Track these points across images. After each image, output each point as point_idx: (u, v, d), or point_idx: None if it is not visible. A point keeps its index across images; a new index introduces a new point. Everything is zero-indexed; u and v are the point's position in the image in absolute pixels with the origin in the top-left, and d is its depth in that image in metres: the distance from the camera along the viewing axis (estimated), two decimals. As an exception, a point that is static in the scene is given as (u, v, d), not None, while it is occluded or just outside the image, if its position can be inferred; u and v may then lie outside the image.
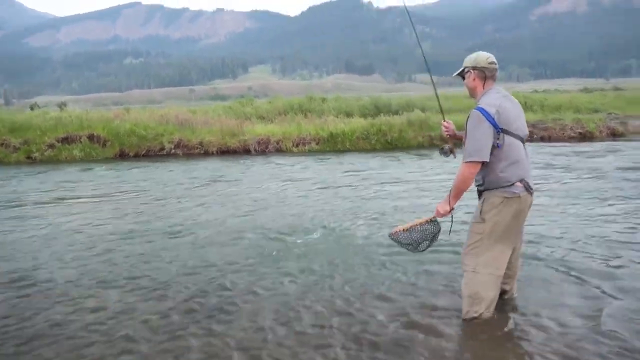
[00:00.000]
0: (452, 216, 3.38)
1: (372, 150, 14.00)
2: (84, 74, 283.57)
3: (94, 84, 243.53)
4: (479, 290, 3.22)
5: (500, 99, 3.13)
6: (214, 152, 14.47)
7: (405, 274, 4.30)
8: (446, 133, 3.58)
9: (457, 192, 3.21)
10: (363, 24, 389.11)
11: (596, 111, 19.50)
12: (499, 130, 3.04)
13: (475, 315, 3.26)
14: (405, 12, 4.43)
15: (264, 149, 14.53)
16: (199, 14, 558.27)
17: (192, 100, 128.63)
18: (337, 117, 17.74)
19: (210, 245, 5.41)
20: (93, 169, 12.00)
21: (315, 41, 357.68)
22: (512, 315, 3.44)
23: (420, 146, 14.14)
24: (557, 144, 14.22)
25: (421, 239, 3.44)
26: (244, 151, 14.51)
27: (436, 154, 6.82)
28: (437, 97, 3.91)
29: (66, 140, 14.58)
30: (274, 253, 5.03)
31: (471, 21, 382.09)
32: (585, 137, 15.02)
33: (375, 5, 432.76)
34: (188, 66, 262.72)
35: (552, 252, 4.73)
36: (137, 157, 14.33)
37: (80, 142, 14.40)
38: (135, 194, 8.62)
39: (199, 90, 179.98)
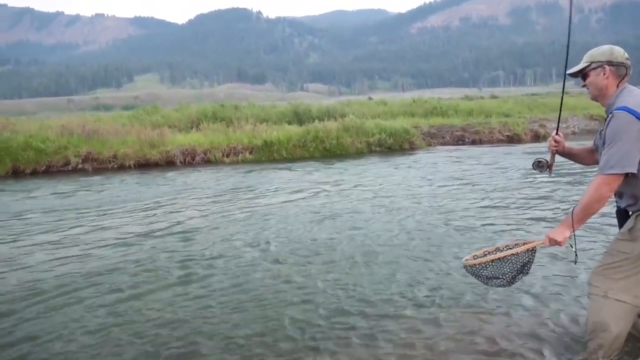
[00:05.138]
0: (574, 243, 2.72)
1: (311, 158, 13.15)
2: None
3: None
4: (606, 320, 2.58)
5: None
6: (131, 165, 12.74)
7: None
8: (554, 149, 2.90)
9: (586, 214, 2.53)
10: (253, 33, 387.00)
11: (507, 115, 20.42)
12: None
13: (597, 346, 2.63)
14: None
15: (191, 160, 13.06)
16: (76, 18, 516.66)
17: (72, 111, 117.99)
18: (255, 125, 16.58)
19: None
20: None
21: (204, 49, 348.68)
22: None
23: (360, 152, 13.57)
24: (488, 146, 14.45)
25: (511, 271, 2.74)
26: (167, 163, 12.95)
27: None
28: (562, 99, 3.24)
29: (-64, 156, 12.02)
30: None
31: (356, 33, 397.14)
32: (513, 139, 15.49)
33: (264, 14, 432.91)
34: (65, 74, 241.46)
35: None
36: (35, 174, 12.18)
37: (-42, 158, 11.92)
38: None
39: (79, 100, 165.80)
